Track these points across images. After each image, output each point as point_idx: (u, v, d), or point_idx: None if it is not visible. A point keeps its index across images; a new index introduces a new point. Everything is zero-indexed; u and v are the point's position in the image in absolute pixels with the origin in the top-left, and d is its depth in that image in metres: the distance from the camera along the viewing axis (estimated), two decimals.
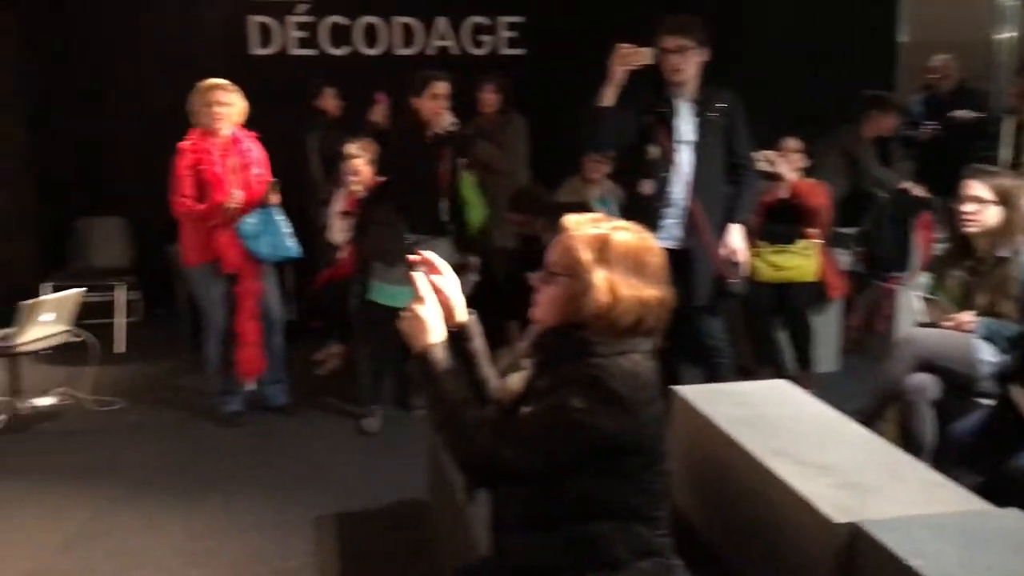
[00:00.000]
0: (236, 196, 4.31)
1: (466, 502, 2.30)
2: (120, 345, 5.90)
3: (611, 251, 1.72)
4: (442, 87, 4.42)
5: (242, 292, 4.50)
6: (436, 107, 4.39)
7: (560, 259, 1.76)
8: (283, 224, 4.49)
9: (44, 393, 4.94)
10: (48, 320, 4.58)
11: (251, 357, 4.58)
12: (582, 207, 4.47)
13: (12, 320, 4.45)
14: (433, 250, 4.39)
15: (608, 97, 3.82)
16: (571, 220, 1.80)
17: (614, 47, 3.74)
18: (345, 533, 3.56)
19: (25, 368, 4.78)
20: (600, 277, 1.70)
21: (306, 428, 4.65)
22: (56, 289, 5.57)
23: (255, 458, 4.27)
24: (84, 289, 4.84)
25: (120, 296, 6.03)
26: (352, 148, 4.87)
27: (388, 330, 4.48)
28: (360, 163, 4.84)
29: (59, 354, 4.98)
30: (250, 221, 4.38)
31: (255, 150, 4.52)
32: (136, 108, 6.13)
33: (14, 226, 6.28)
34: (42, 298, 4.61)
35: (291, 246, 4.54)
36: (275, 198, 4.42)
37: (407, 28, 6.66)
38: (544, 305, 1.79)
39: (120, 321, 5.99)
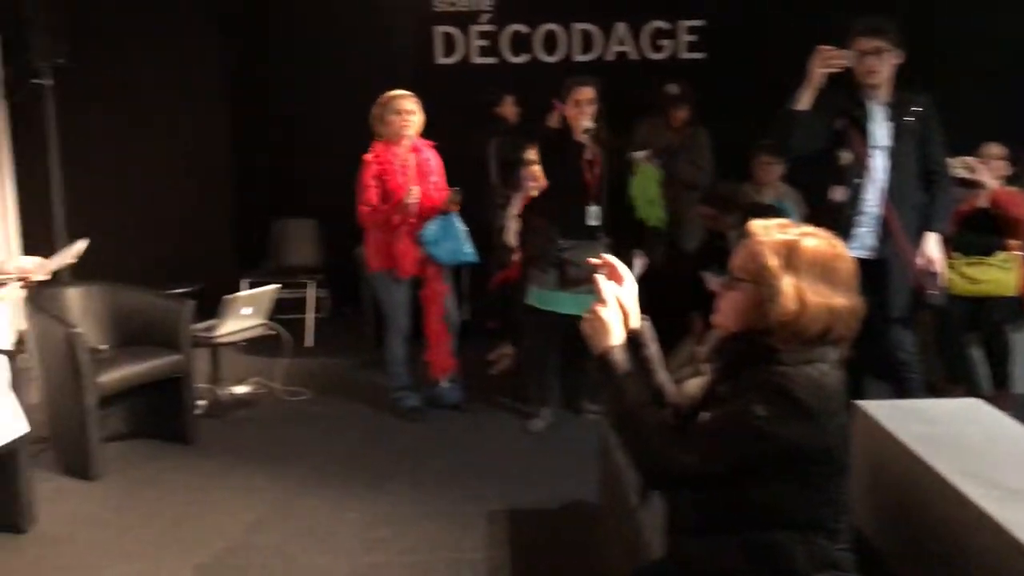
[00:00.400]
0: (414, 193, 4.49)
1: (639, 504, 2.30)
2: (309, 339, 6.25)
3: (799, 257, 1.70)
4: (583, 92, 4.44)
5: (428, 295, 4.73)
6: (577, 113, 4.42)
7: (746, 264, 1.74)
8: (462, 230, 4.65)
9: (241, 382, 5.31)
10: (246, 314, 4.91)
11: (442, 357, 4.79)
12: (773, 210, 4.39)
13: (215, 313, 4.80)
14: (586, 255, 4.45)
15: (805, 101, 3.73)
16: (758, 225, 1.77)
17: (815, 49, 3.65)
18: (516, 528, 3.64)
19: (224, 358, 5.13)
20: (788, 284, 1.67)
21: (479, 426, 4.78)
22: (253, 286, 5.97)
23: (431, 452, 4.43)
24: (278, 286, 5.15)
25: (310, 294, 6.40)
26: (530, 153, 4.96)
27: (551, 333, 4.63)
28: (537, 168, 4.92)
29: (255, 346, 5.34)
30: (431, 228, 4.56)
31: (433, 159, 4.70)
32: (328, 115, 6.47)
33: (216, 226, 6.78)
34: (241, 293, 4.94)
35: (469, 252, 4.69)
36: (455, 206, 4.59)
37: (586, 34, 6.71)
38: (728, 311, 1.77)
39: (310, 317, 6.35)
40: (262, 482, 4.09)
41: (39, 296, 4.31)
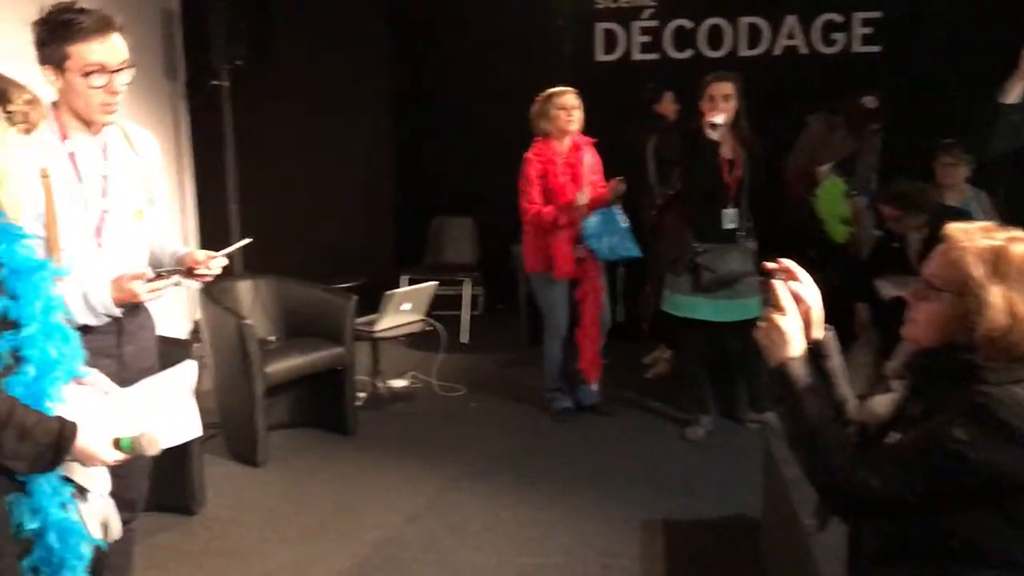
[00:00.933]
0: (584, 195, 4.44)
1: (815, 527, 2.16)
2: (464, 336, 6.31)
3: (1008, 264, 1.52)
4: (718, 88, 4.25)
5: (584, 294, 4.64)
6: (709, 108, 4.23)
7: (945, 273, 1.58)
8: (624, 226, 4.55)
9: (399, 376, 5.41)
10: (405, 310, 4.99)
11: (594, 359, 4.72)
12: (961, 214, 4.09)
13: (376, 308, 4.90)
14: (722, 260, 4.25)
15: (1015, 93, 3.45)
16: (958, 229, 1.61)
17: None
18: (671, 539, 3.53)
19: (384, 352, 5.24)
20: (996, 294, 1.51)
21: (633, 430, 4.68)
22: (412, 282, 6.08)
23: (583, 454, 4.37)
24: (436, 283, 5.21)
25: (466, 291, 6.45)
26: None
27: (701, 339, 4.47)
28: None
29: (413, 341, 5.43)
30: (592, 221, 4.48)
31: (592, 157, 4.62)
32: (488, 113, 6.51)
33: (379, 223, 6.94)
34: (402, 289, 5.03)
35: (631, 247, 4.58)
36: (619, 191, 4.47)
37: (753, 28, 6.47)
38: (922, 323, 1.62)
39: (465, 314, 6.41)
40: (418, 475, 4.14)
41: (213, 288, 4.51)
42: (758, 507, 3.40)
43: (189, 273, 2.46)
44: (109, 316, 2.33)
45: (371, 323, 4.91)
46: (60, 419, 1.72)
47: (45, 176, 2.21)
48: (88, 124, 2.33)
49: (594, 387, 4.85)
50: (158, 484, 3.69)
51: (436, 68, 6.83)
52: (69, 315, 1.96)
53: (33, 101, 1.79)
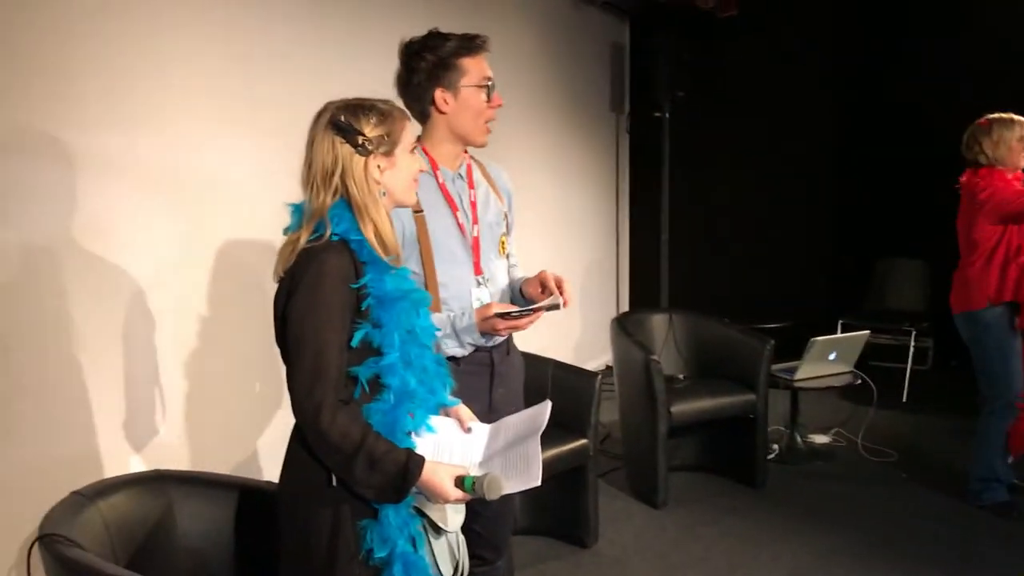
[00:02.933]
0: None
1: None
2: (904, 394, 5.61)
3: None
4: None
5: None
6: None
7: None
8: None
9: (820, 430, 4.94)
10: (832, 359, 4.54)
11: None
12: None
13: (800, 352, 4.51)
14: None
15: None
16: None
17: None
18: None
19: (805, 403, 4.81)
20: None
21: None
22: (845, 328, 5.56)
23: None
24: (868, 332, 4.67)
25: (912, 343, 5.73)
26: None
27: None
28: None
29: (839, 393, 4.92)
30: None
31: None
32: (938, 146, 5.75)
33: (815, 261, 6.47)
34: (829, 337, 4.57)
35: None
36: None
37: None
38: None
39: (908, 369, 5.70)
40: (826, 545, 3.70)
41: (627, 319, 4.49)
42: None
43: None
44: (474, 345, 2.30)
45: (792, 370, 4.54)
46: (408, 452, 1.72)
47: (419, 210, 2.26)
48: (454, 157, 2.35)
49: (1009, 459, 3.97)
50: (555, 511, 3.74)
51: (877, 101, 6.20)
52: (438, 345, 1.97)
53: (386, 114, 1.82)
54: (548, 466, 3.39)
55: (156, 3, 3.06)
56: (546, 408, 1.92)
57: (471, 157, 2.44)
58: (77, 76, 2.80)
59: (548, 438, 3.50)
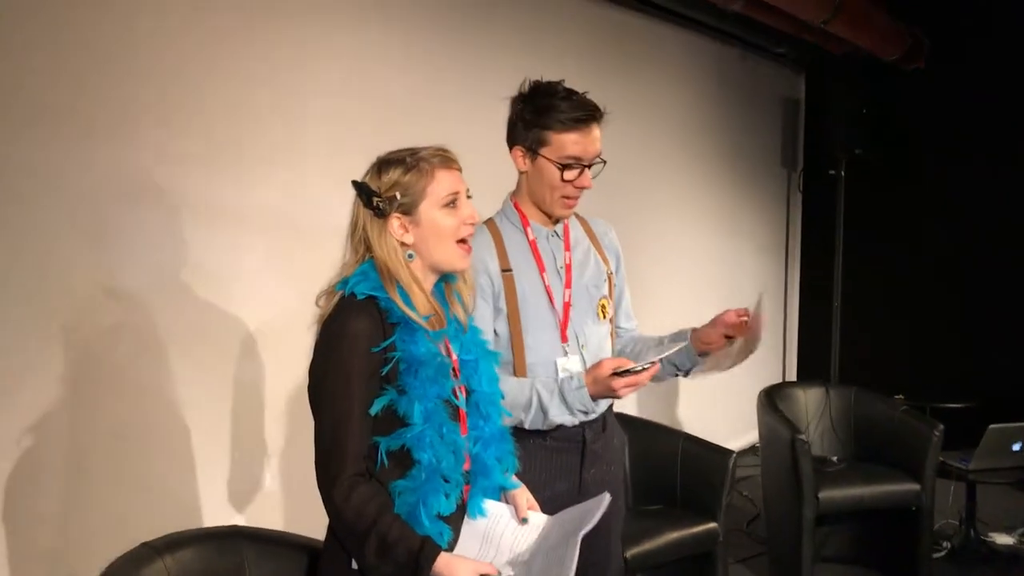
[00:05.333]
0: None
1: None
2: None
3: None
4: None
5: None
6: None
7: None
8: None
9: (1005, 529, 4.38)
10: (1016, 449, 4.02)
11: None
12: None
13: (978, 439, 4.02)
14: None
15: None
16: None
17: None
18: None
19: (985, 497, 4.28)
20: None
21: None
22: None
23: None
24: None
25: None
26: None
27: None
28: None
29: None
30: None
31: None
32: None
33: (1012, 339, 5.76)
34: (1011, 424, 4.05)
35: None
36: None
37: None
38: None
39: None
40: None
41: (777, 392, 4.16)
42: None
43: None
44: (586, 412, 2.09)
45: (967, 458, 4.04)
46: (424, 539, 1.55)
47: (507, 269, 2.11)
48: (548, 215, 2.18)
49: None
50: None
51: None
52: (507, 415, 1.81)
53: (409, 168, 1.66)
54: (671, 551, 3.18)
55: (276, 54, 3.07)
56: (602, 502, 1.69)
57: (574, 214, 2.28)
58: (189, 121, 2.81)
59: (674, 519, 3.28)
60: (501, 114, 2.17)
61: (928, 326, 5.91)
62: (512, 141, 2.15)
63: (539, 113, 2.06)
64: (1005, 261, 5.75)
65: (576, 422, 2.11)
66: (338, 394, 1.58)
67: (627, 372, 1.96)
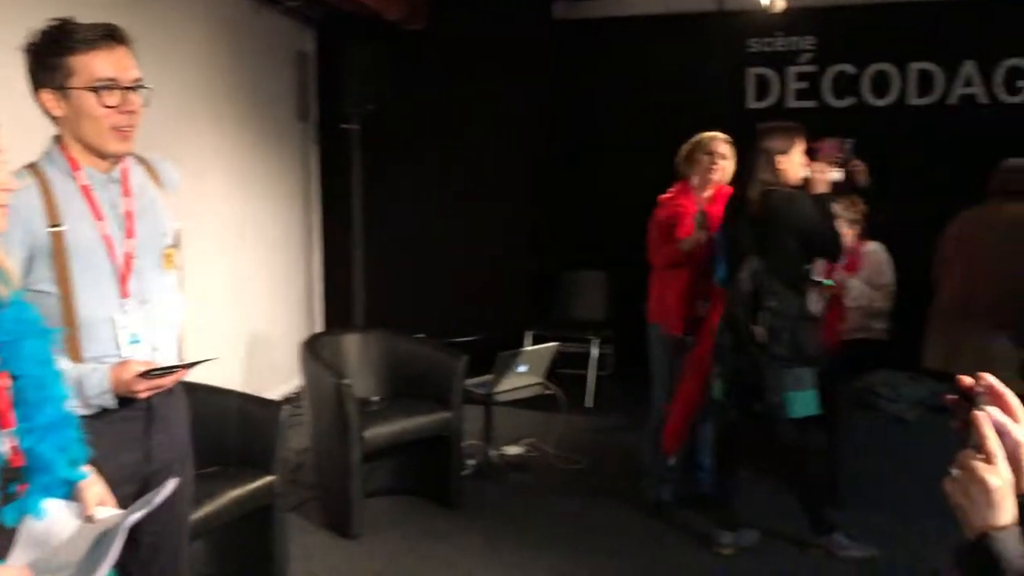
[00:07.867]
0: (691, 240, 3.92)
1: None
2: (589, 399, 5.85)
3: None
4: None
5: (693, 359, 4.00)
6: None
7: None
8: None
9: (513, 442, 5.01)
10: (522, 371, 4.60)
11: (673, 429, 4.11)
12: None
13: (492, 368, 4.53)
14: None
15: None
16: None
17: None
18: None
19: (498, 416, 4.85)
20: None
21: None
22: (536, 339, 5.69)
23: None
24: (557, 344, 4.80)
25: (594, 351, 6.00)
26: (839, 208, 4.23)
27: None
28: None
29: (531, 404, 5.00)
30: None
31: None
32: (627, 161, 6.10)
33: (508, 276, 6.55)
34: (518, 350, 4.64)
35: None
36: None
37: (924, 75, 5.82)
38: None
39: (591, 376, 5.95)
40: (525, 557, 3.72)
41: (317, 341, 4.27)
42: None
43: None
44: (102, 407, 1.93)
45: (485, 385, 4.54)
46: None
47: (55, 225, 1.90)
48: (102, 156, 1.99)
49: (698, 471, 4.27)
50: (237, 549, 3.41)
51: (578, 114, 6.46)
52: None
53: None
54: (229, 510, 3.13)
55: None
56: (164, 489, 1.50)
57: (134, 156, 2.09)
58: None
59: (230, 478, 3.23)
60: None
61: (438, 271, 6.47)
62: (37, 85, 1.92)
63: (58, 43, 1.87)
64: (499, 213, 6.48)
65: (92, 411, 1.93)
66: None
67: (152, 372, 1.90)
